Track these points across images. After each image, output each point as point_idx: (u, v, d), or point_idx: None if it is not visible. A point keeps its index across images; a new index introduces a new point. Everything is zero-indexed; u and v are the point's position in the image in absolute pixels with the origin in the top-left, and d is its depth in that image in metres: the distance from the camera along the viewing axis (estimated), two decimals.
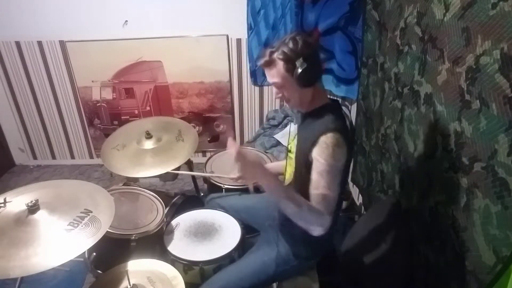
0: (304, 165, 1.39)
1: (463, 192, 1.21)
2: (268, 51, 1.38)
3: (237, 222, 1.80)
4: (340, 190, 1.35)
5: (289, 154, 1.62)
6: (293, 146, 1.57)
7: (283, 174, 1.69)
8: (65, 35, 2.84)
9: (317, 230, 1.29)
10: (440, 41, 1.34)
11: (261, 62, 1.41)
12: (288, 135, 1.68)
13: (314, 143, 1.33)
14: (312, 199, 1.29)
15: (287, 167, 1.62)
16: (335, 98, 2.88)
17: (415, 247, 1.57)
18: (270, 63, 1.37)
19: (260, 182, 1.28)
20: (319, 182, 1.28)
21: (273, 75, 1.39)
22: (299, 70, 1.32)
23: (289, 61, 1.34)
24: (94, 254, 1.63)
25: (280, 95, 1.45)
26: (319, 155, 1.30)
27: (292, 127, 1.75)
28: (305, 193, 1.33)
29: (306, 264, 1.60)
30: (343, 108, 2.73)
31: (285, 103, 1.53)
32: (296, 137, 1.55)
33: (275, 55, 1.35)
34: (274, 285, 1.67)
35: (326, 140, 1.30)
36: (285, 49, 1.33)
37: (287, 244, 1.53)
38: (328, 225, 1.28)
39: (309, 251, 1.55)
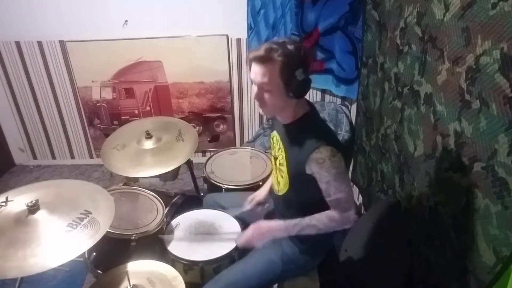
0: (299, 179, 1.40)
1: (463, 192, 1.20)
2: (266, 46, 1.27)
3: (237, 222, 1.80)
4: (349, 183, 1.40)
5: (279, 166, 1.51)
6: (280, 156, 1.49)
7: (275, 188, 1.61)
8: (65, 35, 2.84)
9: (347, 226, 1.40)
10: (440, 41, 1.34)
11: (254, 54, 1.28)
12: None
13: (306, 160, 1.32)
14: (329, 204, 1.37)
15: (279, 178, 1.53)
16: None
17: (415, 247, 1.57)
18: (265, 60, 1.26)
19: (270, 237, 1.46)
20: (329, 190, 1.33)
21: (264, 74, 1.27)
22: (299, 79, 1.26)
23: (289, 67, 1.25)
24: (94, 254, 1.63)
25: (259, 97, 1.33)
26: (319, 170, 1.31)
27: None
28: (305, 199, 1.45)
29: (312, 263, 1.60)
30: (343, 108, 2.77)
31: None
32: (283, 148, 1.46)
33: (275, 54, 1.25)
34: (275, 285, 1.67)
35: (320, 156, 1.29)
36: (288, 52, 1.25)
37: (293, 243, 1.52)
38: (353, 217, 1.38)
39: (316, 245, 1.54)
